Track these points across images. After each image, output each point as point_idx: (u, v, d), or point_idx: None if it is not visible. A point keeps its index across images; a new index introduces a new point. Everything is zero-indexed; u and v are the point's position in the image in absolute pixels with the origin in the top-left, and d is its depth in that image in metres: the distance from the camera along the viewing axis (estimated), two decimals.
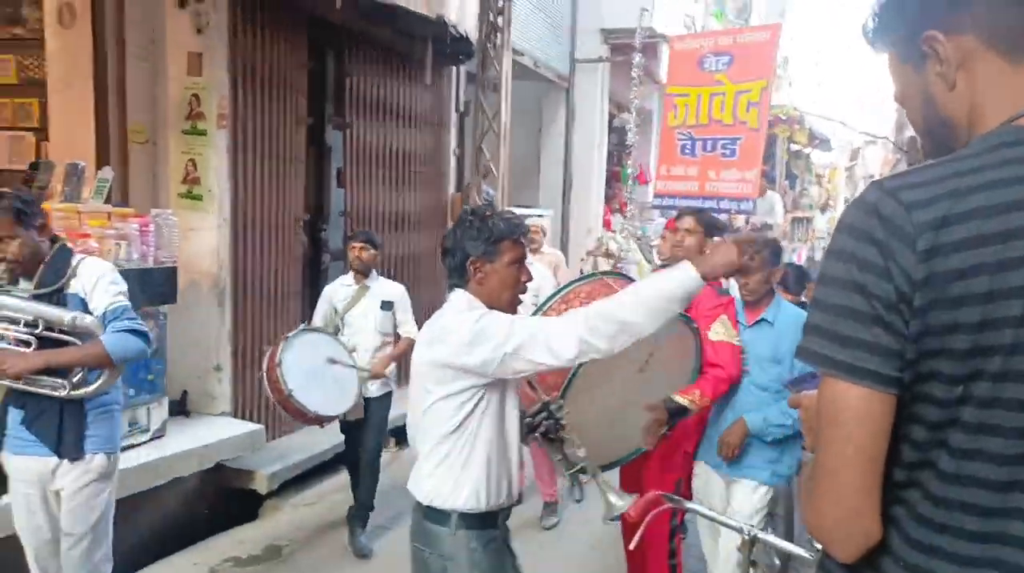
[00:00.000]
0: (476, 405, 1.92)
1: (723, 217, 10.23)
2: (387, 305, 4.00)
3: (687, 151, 4.48)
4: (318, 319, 4.08)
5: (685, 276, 1.81)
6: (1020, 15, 0.91)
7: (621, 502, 2.08)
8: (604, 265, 7.11)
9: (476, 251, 1.98)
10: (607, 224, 10.31)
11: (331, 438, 5.20)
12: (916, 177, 0.89)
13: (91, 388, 2.42)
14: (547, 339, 1.83)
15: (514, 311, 2.04)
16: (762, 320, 2.89)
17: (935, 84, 0.97)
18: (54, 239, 2.51)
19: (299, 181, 5.18)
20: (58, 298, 2.41)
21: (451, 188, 7.29)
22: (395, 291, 4.09)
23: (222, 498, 4.34)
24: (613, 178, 11.46)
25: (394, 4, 5.11)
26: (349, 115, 5.71)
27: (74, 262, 2.46)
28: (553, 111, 10.06)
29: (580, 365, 2.12)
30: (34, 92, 4.53)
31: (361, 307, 3.97)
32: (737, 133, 4.27)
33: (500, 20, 7.08)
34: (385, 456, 5.35)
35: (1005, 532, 0.86)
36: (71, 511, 2.51)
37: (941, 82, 0.96)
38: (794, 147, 11.81)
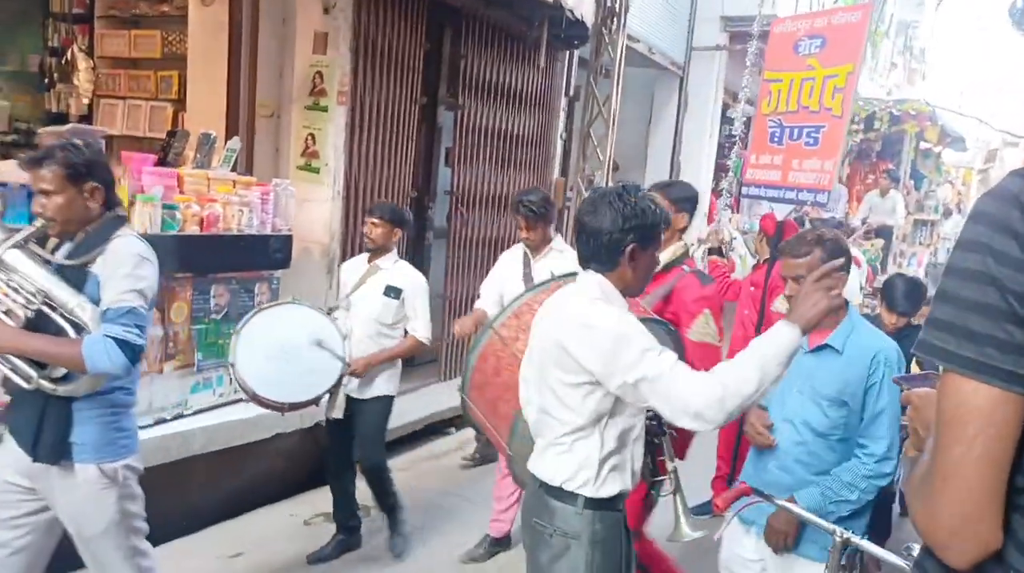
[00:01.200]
0: (605, 398, 1.85)
1: (801, 212, 9.54)
2: (393, 292, 3.50)
3: (775, 139, 4.23)
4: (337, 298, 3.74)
5: (787, 340, 1.73)
6: None
7: (692, 532, 2.04)
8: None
9: (636, 236, 1.86)
10: (711, 216, 10.05)
11: (449, 399, 5.25)
12: None
13: (67, 387, 2.10)
14: (686, 392, 1.72)
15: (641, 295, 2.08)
16: (826, 346, 2.25)
17: None
18: (111, 207, 2.21)
19: (409, 159, 5.34)
20: (82, 275, 2.12)
21: (556, 172, 7.31)
22: (409, 279, 3.57)
23: (320, 456, 4.58)
24: (722, 170, 11.15)
25: None
26: (461, 96, 5.82)
27: (112, 238, 2.14)
28: (665, 99, 9.88)
29: None
30: (175, 66, 4.86)
31: (364, 290, 3.53)
32: (821, 121, 4.02)
33: (617, 5, 7.01)
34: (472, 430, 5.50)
35: None
36: (70, 517, 2.21)
37: None
38: (923, 145, 11.12)
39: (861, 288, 7.32)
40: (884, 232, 9.11)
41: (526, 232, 3.60)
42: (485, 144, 6.14)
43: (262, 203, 4.17)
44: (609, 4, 6.97)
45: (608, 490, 1.90)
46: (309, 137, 4.67)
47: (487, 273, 6.23)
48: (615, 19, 7.02)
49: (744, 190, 4.63)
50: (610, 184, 7.11)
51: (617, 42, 7.03)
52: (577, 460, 1.89)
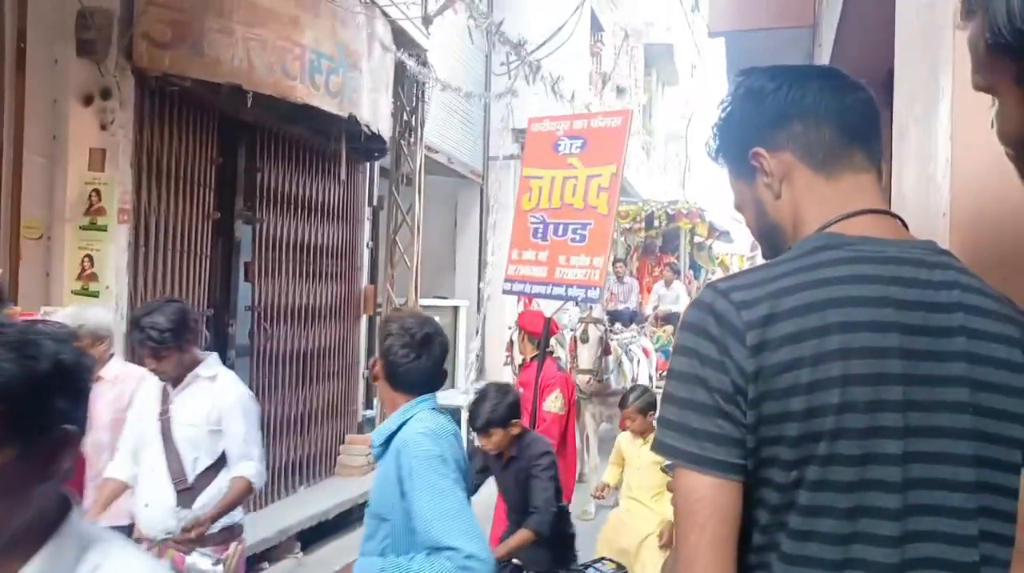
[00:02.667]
0: None
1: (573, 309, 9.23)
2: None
3: (539, 235, 4.21)
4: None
5: None
6: (825, 135, 1.04)
7: None
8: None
9: None
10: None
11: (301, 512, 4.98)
12: (745, 279, 0.98)
13: None
14: None
15: None
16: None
17: (763, 194, 1.09)
18: None
19: (204, 276, 5.09)
20: None
21: (364, 280, 7.28)
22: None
23: None
24: None
25: (305, 104, 5.24)
26: (259, 209, 5.70)
27: None
28: (468, 205, 10.32)
29: None
30: None
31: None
32: (587, 218, 4.04)
33: (414, 119, 7.33)
34: (290, 562, 5.11)
35: None
36: None
37: (768, 192, 1.08)
38: (697, 239, 12.26)
39: (650, 378, 7.86)
40: (672, 318, 9.89)
41: (154, 363, 2.73)
42: (287, 257, 6.01)
43: None
44: (406, 119, 7.27)
45: None
46: (86, 259, 4.31)
47: (296, 389, 6.03)
48: (412, 132, 7.31)
49: (507, 285, 4.53)
50: (416, 298, 7.26)
51: (416, 153, 7.31)
52: None
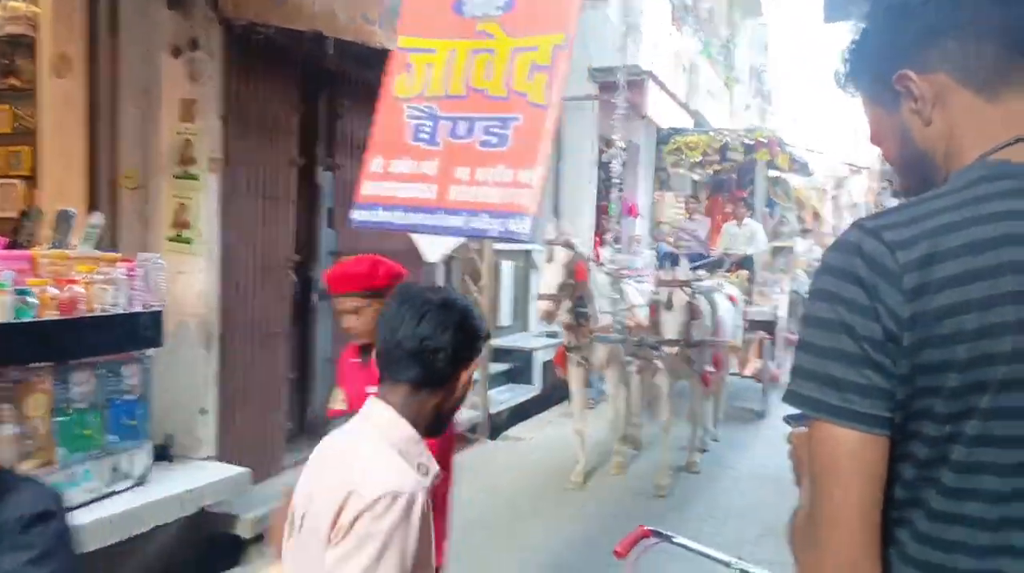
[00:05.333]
0: None
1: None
2: None
3: (423, 136, 2.73)
4: None
5: None
6: (987, 51, 0.93)
7: None
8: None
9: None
10: (597, 256, 10.35)
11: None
12: (897, 216, 0.90)
13: None
14: None
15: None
16: None
17: (910, 121, 0.98)
18: None
19: (289, 222, 5.21)
20: None
21: None
22: None
23: (205, 544, 4.31)
24: (602, 212, 11.54)
25: (384, 48, 5.19)
26: (340, 156, 5.76)
27: None
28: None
29: None
30: (26, 141, 4.56)
31: None
32: (510, 110, 2.61)
33: None
34: None
35: (998, 570, 0.86)
36: None
37: (916, 119, 0.97)
38: (773, 172, 10.91)
39: (736, 330, 6.96)
40: (746, 262, 8.77)
41: None
42: None
43: (129, 279, 3.93)
44: None
45: None
46: (180, 206, 4.47)
47: None
48: None
49: (357, 214, 3.00)
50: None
51: None
52: None
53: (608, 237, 9.47)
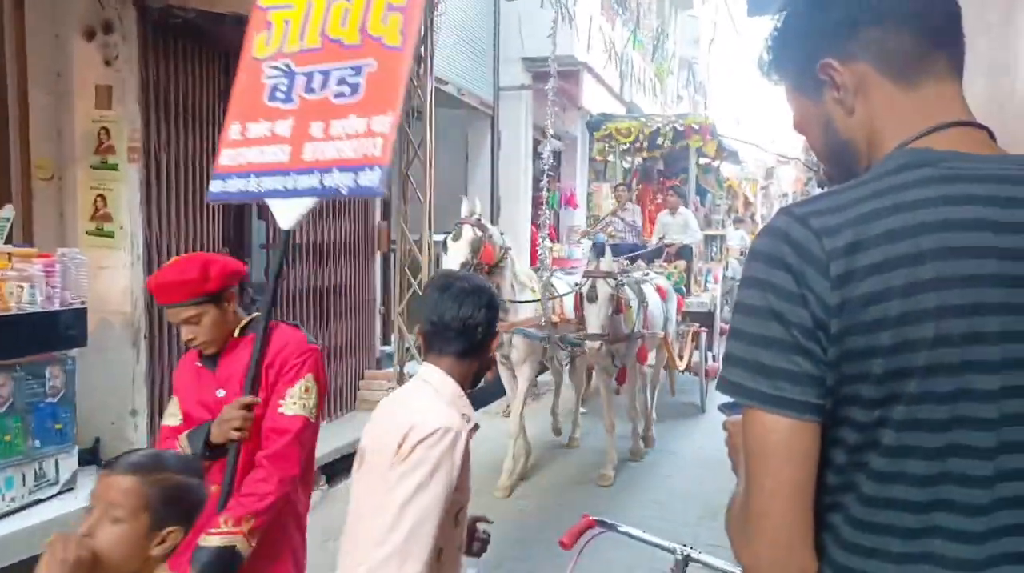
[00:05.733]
0: None
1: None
2: None
3: (279, 96, 2.46)
4: None
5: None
6: (904, 41, 0.94)
7: None
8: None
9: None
10: (533, 249, 10.39)
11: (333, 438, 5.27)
12: (823, 203, 0.90)
13: None
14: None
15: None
16: None
17: (833, 110, 0.99)
18: None
19: (217, 213, 5.03)
20: None
21: (378, 217, 7.22)
22: None
23: None
24: (539, 203, 11.58)
25: None
26: None
27: None
28: (479, 138, 10.14)
29: None
30: None
31: None
32: (364, 56, 2.39)
33: (423, 50, 7.10)
34: (315, 494, 5.21)
35: (928, 551, 0.87)
36: None
37: (839, 108, 0.98)
38: (703, 160, 10.55)
39: (666, 321, 6.50)
40: (684, 252, 8.47)
41: None
42: None
43: (47, 276, 3.73)
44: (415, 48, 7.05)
45: None
46: (99, 198, 4.26)
47: (314, 327, 6.03)
48: (421, 63, 7.10)
49: (215, 186, 2.50)
50: (430, 234, 7.13)
51: (426, 85, 7.11)
52: None
53: (543, 228, 9.42)
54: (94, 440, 4.22)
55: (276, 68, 2.49)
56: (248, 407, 2.01)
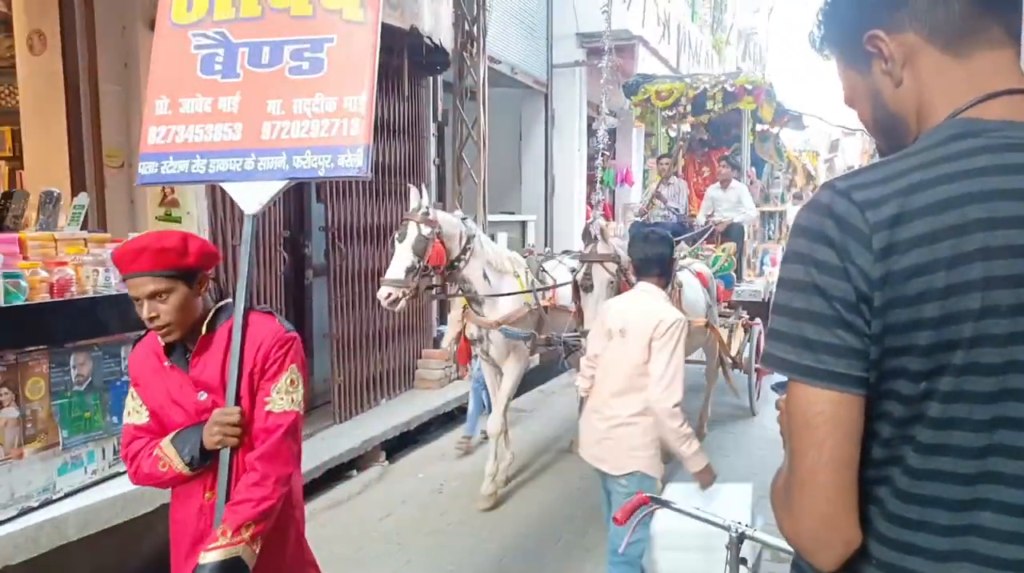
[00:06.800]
0: None
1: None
2: None
3: (217, 68, 2.24)
4: None
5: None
6: (953, 10, 0.92)
7: None
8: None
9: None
10: (587, 229, 10.30)
11: (348, 441, 5.27)
12: (867, 176, 0.90)
13: None
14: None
15: None
16: None
17: (882, 83, 0.99)
18: None
19: (279, 197, 5.16)
20: None
21: (433, 197, 7.28)
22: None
23: None
24: (593, 181, 11.49)
25: None
26: None
27: None
28: (533, 117, 10.10)
29: None
30: (7, 120, 4.49)
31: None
32: (323, 30, 2.21)
33: (475, 29, 7.11)
34: (376, 470, 5.36)
35: (975, 524, 0.86)
36: None
37: (887, 80, 0.98)
38: (759, 127, 9.07)
39: (707, 308, 5.50)
40: (733, 231, 7.28)
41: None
42: None
43: None
44: (467, 28, 7.05)
45: None
46: (167, 185, 4.42)
47: (372, 308, 6.15)
48: (474, 43, 7.10)
49: (145, 168, 2.31)
50: (484, 214, 7.12)
51: (479, 65, 7.12)
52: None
53: (597, 206, 9.23)
54: None
55: (207, 37, 2.28)
56: (237, 421, 1.89)
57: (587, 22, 9.66)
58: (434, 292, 4.76)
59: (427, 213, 4.26)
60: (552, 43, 9.88)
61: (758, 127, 9.07)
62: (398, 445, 5.72)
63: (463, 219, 4.54)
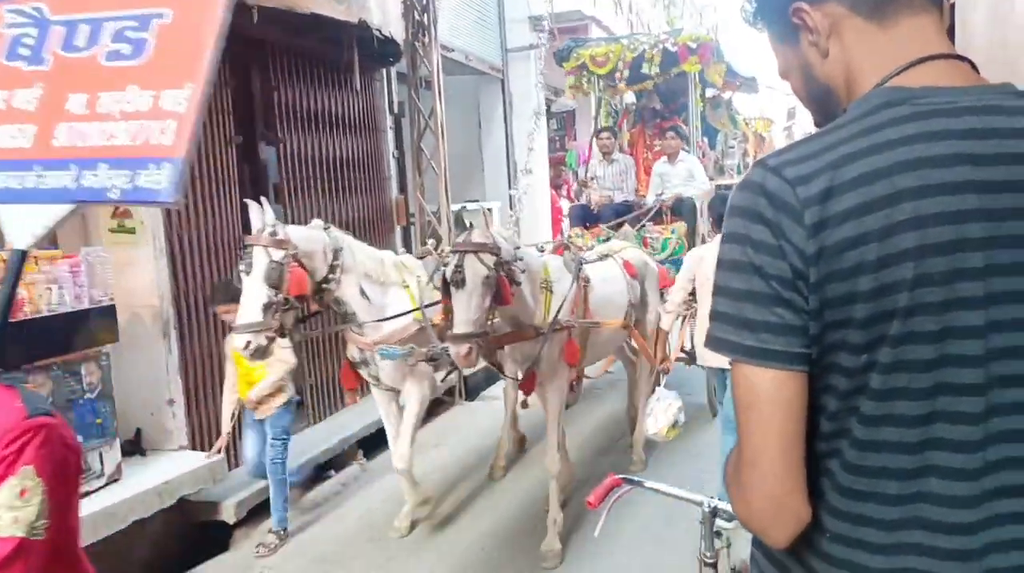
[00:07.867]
0: None
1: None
2: None
3: (23, 53, 1.72)
4: None
5: None
6: None
7: None
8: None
9: None
10: (557, 210, 10.33)
11: (325, 441, 5.27)
12: (798, 151, 0.90)
13: None
14: None
15: None
16: None
17: (810, 54, 0.99)
18: None
19: (234, 201, 5.08)
20: None
21: (394, 191, 7.22)
22: None
23: (190, 534, 4.26)
24: (556, 163, 11.47)
25: (313, 13, 5.03)
26: (280, 129, 5.61)
27: None
28: (491, 103, 10.03)
29: None
30: None
31: None
32: (154, 2, 1.67)
33: (426, 18, 7.02)
34: (354, 468, 5.33)
35: (923, 491, 0.87)
36: None
37: (815, 51, 0.98)
38: (710, 91, 8.24)
39: (630, 306, 4.57)
40: (683, 207, 6.48)
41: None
42: (314, 174, 5.95)
43: (73, 276, 3.81)
44: (417, 18, 6.96)
45: None
46: None
47: None
48: (426, 32, 7.02)
49: None
50: (448, 204, 7.07)
51: (432, 54, 7.04)
52: None
53: (561, 189, 9.15)
54: (135, 431, 4.35)
55: (20, 14, 1.78)
56: None
57: (539, 5, 9.61)
58: (303, 328, 3.80)
59: (274, 233, 3.45)
60: (505, 28, 9.82)
61: (708, 92, 8.21)
62: (375, 442, 5.69)
63: (325, 229, 3.76)
